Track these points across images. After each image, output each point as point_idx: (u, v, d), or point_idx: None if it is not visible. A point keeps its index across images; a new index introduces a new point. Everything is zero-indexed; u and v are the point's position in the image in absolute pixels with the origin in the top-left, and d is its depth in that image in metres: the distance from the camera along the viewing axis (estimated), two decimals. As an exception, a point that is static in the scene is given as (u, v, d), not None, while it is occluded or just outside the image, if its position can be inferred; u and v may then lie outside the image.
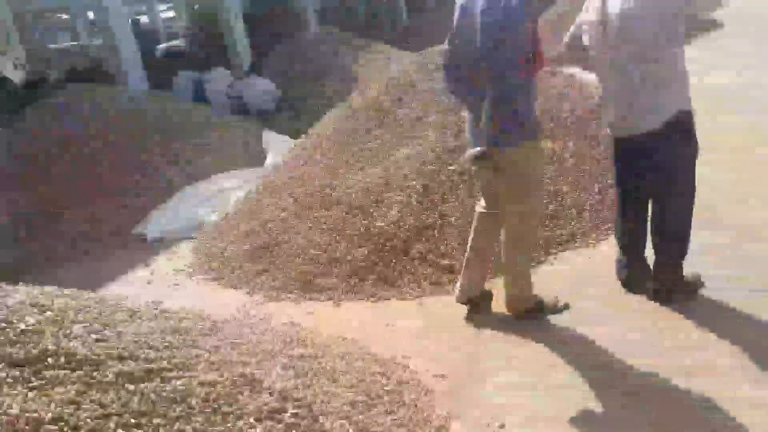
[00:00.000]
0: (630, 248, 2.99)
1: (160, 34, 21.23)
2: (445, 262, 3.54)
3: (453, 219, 3.70)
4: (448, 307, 3.20)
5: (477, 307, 3.10)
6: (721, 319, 2.73)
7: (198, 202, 5.35)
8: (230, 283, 3.95)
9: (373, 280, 3.57)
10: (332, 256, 3.72)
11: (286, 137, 6.88)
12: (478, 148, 2.73)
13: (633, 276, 3.00)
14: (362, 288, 3.53)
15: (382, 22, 14.47)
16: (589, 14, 2.72)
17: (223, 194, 5.37)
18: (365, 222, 3.79)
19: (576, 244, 3.61)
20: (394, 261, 3.60)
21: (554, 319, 2.95)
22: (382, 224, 3.73)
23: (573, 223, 3.72)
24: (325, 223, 3.96)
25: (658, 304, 2.89)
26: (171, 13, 28.01)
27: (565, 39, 2.89)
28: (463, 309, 3.12)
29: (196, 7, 15.11)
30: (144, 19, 29.13)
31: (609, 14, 2.60)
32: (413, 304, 3.33)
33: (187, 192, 5.55)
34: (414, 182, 3.89)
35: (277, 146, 6.48)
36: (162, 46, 14.56)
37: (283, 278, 3.77)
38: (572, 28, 2.86)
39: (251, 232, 4.30)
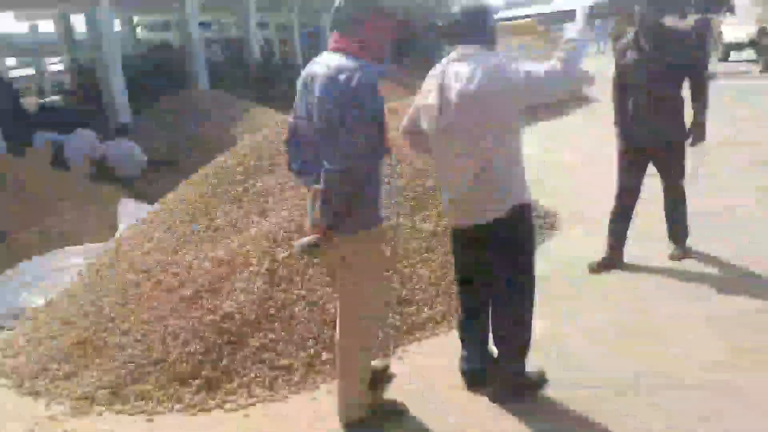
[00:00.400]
0: (471, 342, 2.73)
1: (45, 88, 20.04)
2: (284, 361, 3.10)
3: (297, 309, 3.30)
4: (278, 419, 2.76)
5: None
6: (562, 423, 2.49)
7: (24, 283, 4.64)
8: (31, 390, 3.29)
9: (196, 385, 3.05)
10: (151, 355, 3.19)
11: (148, 207, 6.29)
12: (312, 236, 2.40)
13: (474, 372, 2.73)
14: (182, 396, 3.00)
15: (275, 82, 14.28)
16: (426, 98, 2.49)
17: (55, 275, 4.70)
18: (196, 313, 3.30)
19: (427, 333, 3.31)
20: (224, 361, 3.12)
21: (390, 427, 2.59)
22: (215, 317, 3.25)
23: (426, 309, 3.42)
24: (150, 313, 3.43)
25: (498, 404, 2.63)
26: (60, 66, 26.74)
27: (403, 123, 2.67)
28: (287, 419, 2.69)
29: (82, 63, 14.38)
30: (29, 71, 27.54)
31: (446, 100, 2.38)
32: (238, 417, 2.84)
33: (10, 272, 4.81)
34: (258, 267, 3.47)
35: (132, 217, 5.87)
36: (35, 102, 13.58)
37: (95, 384, 3.18)
38: (410, 112, 2.64)
39: (69, 323, 3.68)
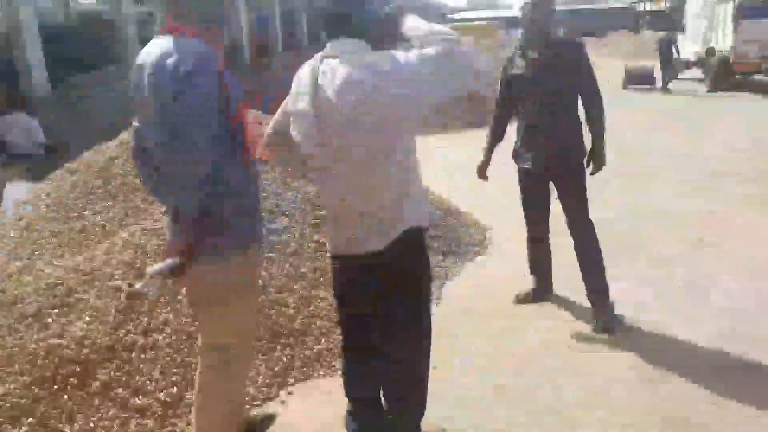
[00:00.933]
0: (358, 397, 2.23)
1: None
2: (138, 401, 2.55)
3: (161, 338, 2.75)
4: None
5: None
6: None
7: None
8: None
9: (31, 425, 2.47)
10: (-23, 387, 2.58)
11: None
12: (168, 260, 1.90)
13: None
14: (10, 440, 2.42)
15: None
16: (297, 103, 1.97)
17: None
18: (36, 337, 2.71)
19: (321, 371, 2.81)
20: (66, 396, 2.54)
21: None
22: (58, 341, 2.67)
23: (323, 340, 2.93)
24: (-16, 333, 2.82)
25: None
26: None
27: (267, 131, 2.15)
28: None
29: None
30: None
31: (324, 105, 1.86)
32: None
33: None
34: (119, 281, 2.90)
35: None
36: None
37: None
38: (275, 119, 2.12)
39: None
